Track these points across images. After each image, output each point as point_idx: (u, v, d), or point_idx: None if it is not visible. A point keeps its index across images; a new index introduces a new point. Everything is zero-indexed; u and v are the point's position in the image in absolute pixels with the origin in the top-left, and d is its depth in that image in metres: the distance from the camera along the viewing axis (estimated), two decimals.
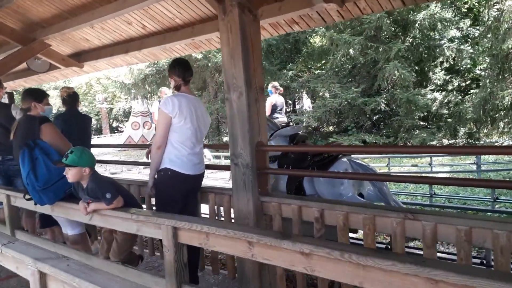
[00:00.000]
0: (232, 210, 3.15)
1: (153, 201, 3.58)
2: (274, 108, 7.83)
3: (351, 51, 19.39)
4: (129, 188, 3.88)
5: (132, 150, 20.85)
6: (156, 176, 2.94)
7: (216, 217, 3.78)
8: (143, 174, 12.07)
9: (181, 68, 2.99)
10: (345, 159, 3.94)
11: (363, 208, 2.39)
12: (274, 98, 7.90)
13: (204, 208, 3.66)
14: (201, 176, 3.11)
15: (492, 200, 5.93)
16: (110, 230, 2.79)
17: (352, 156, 4.27)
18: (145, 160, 3.76)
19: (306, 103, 26.30)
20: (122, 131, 33.54)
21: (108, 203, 2.52)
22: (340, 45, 18.87)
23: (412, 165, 11.74)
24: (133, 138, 25.29)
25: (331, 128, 23.48)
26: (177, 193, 2.92)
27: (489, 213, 5.75)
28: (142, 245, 4.22)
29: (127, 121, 32.54)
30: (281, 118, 7.77)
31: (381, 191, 3.85)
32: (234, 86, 2.80)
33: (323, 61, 24.67)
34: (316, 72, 24.23)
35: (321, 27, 18.63)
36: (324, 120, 21.25)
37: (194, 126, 2.95)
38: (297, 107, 25.43)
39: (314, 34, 22.94)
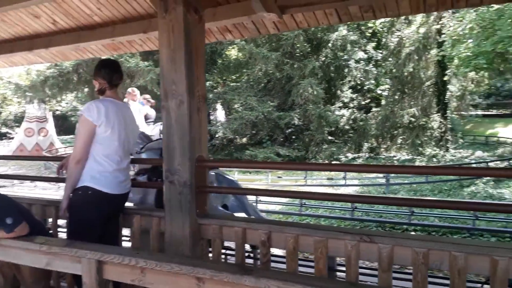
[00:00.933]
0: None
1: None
2: (146, 120, 7.61)
3: (268, 65, 19.85)
4: (30, 209, 3.24)
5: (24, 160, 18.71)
6: (72, 196, 2.47)
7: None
8: (40, 188, 10.77)
9: (108, 70, 2.58)
10: (212, 173, 3.90)
11: (315, 230, 2.24)
12: (145, 110, 7.66)
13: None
14: (126, 196, 2.70)
15: (409, 213, 6.36)
16: (11, 265, 2.25)
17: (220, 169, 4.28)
18: (55, 175, 3.20)
19: (221, 114, 26.32)
20: (12, 138, 30.22)
21: (8, 231, 2.01)
22: (258, 59, 19.22)
23: (328, 178, 12.25)
24: (26, 146, 22.66)
25: (244, 140, 23.74)
26: (98, 216, 2.47)
27: (405, 226, 6.13)
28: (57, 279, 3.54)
29: (18, 126, 29.47)
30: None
31: (241, 202, 3.91)
32: (174, 93, 2.48)
33: (239, 74, 24.98)
34: (231, 84, 24.42)
35: (240, 40, 18.79)
36: (239, 132, 21.38)
37: (122, 137, 2.55)
38: (211, 118, 25.32)
39: (230, 47, 23.13)
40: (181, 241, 2.57)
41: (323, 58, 21.56)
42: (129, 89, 6.88)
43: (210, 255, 2.83)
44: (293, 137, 22.88)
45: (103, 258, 1.85)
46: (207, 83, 22.43)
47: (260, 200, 8.98)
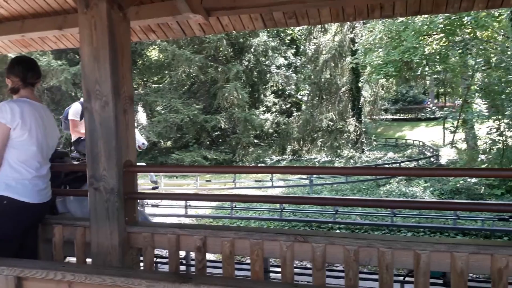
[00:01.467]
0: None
1: None
2: None
3: (192, 68, 19.62)
4: None
5: None
6: None
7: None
8: None
9: (21, 67, 2.32)
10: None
11: (251, 232, 2.22)
12: None
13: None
14: (47, 205, 2.45)
15: (334, 212, 6.68)
16: None
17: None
18: None
19: (142, 117, 25.36)
20: None
21: None
22: (181, 61, 18.89)
23: (256, 181, 12.40)
24: None
25: (169, 143, 23.17)
26: (15, 228, 2.21)
27: (330, 225, 6.42)
28: None
29: None
30: None
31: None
32: (97, 94, 2.30)
33: (161, 76, 24.31)
34: (153, 86, 23.72)
35: (162, 41, 18.31)
36: (164, 136, 20.82)
37: (40, 141, 2.30)
38: None
39: (151, 47, 22.46)
40: (109, 252, 2.39)
41: (246, 63, 21.90)
42: None
43: (141, 264, 2.68)
44: (220, 140, 22.86)
45: (23, 273, 1.65)
46: None
47: (190, 205, 8.81)
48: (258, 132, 22.09)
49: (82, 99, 5.44)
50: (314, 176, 11.43)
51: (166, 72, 22.16)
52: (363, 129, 22.68)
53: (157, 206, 8.26)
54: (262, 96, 23.97)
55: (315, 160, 21.49)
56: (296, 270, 3.10)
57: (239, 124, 20.36)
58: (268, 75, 22.87)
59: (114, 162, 2.32)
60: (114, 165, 2.33)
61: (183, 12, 3.39)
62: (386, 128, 32.97)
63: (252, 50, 21.76)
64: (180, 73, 19.70)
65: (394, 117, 36.70)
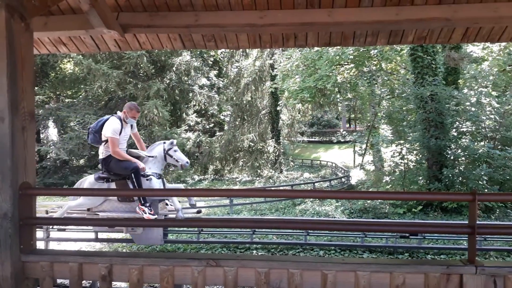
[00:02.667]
0: None
1: None
2: None
3: (110, 83, 18.78)
4: None
5: None
6: None
7: None
8: None
9: None
10: None
11: (161, 259, 2.14)
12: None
13: None
14: None
15: (251, 232, 6.70)
16: None
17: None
18: None
19: (53, 132, 23.54)
20: None
21: None
22: (98, 75, 17.99)
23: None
24: None
25: (82, 162, 21.71)
26: None
27: (247, 245, 6.43)
28: None
29: None
30: None
31: None
32: None
33: (75, 90, 22.94)
34: (67, 100, 22.23)
35: (77, 54, 17.33)
36: (76, 153, 19.46)
37: None
38: (41, 136, 22.41)
39: (65, 60, 21.15)
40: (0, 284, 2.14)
41: (168, 81, 21.58)
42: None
43: None
44: None
45: None
46: (37, 98, 19.90)
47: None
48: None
49: (119, 113, 4.91)
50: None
51: (82, 86, 20.94)
52: (282, 150, 23.47)
53: (63, 230, 7.58)
54: (184, 115, 23.70)
55: (237, 179, 21.65)
56: None
57: None
58: (190, 94, 22.74)
59: (8, 184, 2.11)
60: (8, 187, 2.11)
61: (96, 27, 3.26)
62: (302, 149, 34.57)
63: (174, 68, 21.54)
64: (96, 88, 18.71)
65: (310, 139, 39.01)
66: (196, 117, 23.80)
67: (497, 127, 10.91)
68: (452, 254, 6.84)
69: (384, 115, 14.73)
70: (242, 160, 22.16)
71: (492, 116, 10.82)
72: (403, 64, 15.62)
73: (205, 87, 23.54)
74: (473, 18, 2.96)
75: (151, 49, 4.16)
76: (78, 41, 3.93)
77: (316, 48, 14.57)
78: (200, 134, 23.16)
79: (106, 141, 4.61)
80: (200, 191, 5.97)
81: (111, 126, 4.51)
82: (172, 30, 3.49)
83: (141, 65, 19.29)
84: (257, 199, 12.63)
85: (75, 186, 5.27)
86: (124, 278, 2.18)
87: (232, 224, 4.26)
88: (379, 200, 11.22)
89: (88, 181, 4.83)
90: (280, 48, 19.23)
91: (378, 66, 15.46)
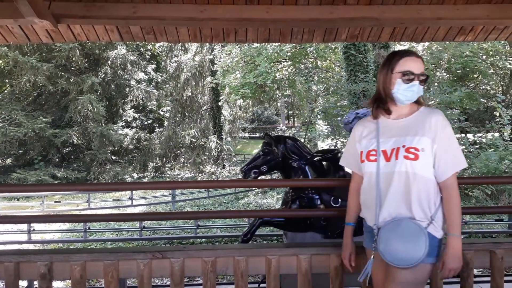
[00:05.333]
0: None
1: None
2: None
3: (39, 77, 17.60)
4: None
5: None
6: None
7: None
8: None
9: None
10: None
11: (105, 253, 2.11)
12: None
13: None
14: None
15: (195, 227, 6.69)
16: None
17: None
18: None
19: None
20: None
21: None
22: (25, 69, 16.76)
23: (114, 200, 11.63)
24: None
25: (9, 161, 20.18)
26: None
27: (192, 240, 6.42)
28: None
29: None
30: None
31: None
32: None
33: (0, 84, 21.21)
34: None
35: (2, 46, 16.00)
36: (2, 152, 18.02)
37: None
38: None
39: None
40: None
41: (103, 75, 20.68)
42: None
43: None
44: (72, 157, 20.85)
45: None
46: None
47: (34, 230, 7.75)
48: (116, 148, 20.90)
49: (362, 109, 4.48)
50: (177, 192, 11.42)
51: (7, 80, 19.38)
52: (224, 146, 23.51)
53: None
54: (120, 110, 22.86)
55: (178, 176, 21.32)
56: None
57: (94, 139, 18.92)
58: (127, 89, 21.98)
59: None
60: None
61: (27, 16, 3.09)
62: (244, 145, 34.89)
63: (109, 62, 20.68)
64: (24, 82, 17.42)
65: (252, 135, 39.59)
66: (133, 112, 23.08)
67: None
68: None
69: (320, 111, 15.31)
70: (183, 156, 21.86)
71: None
72: (338, 62, 16.33)
73: (143, 82, 22.89)
74: (399, 19, 3.19)
75: (86, 41, 4.00)
76: (6, 31, 3.69)
77: (255, 45, 14.75)
78: (138, 131, 22.50)
79: None
80: (141, 184, 5.84)
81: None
82: (109, 21, 3.38)
83: (74, 59, 18.29)
84: (200, 194, 12.58)
85: None
86: (66, 276, 2.13)
87: (175, 216, 4.25)
88: None
89: None
90: (220, 44, 19.20)
91: (314, 63, 16.03)
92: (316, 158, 3.56)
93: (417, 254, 1.64)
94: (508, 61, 14.71)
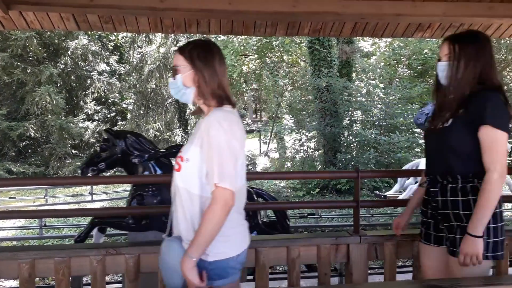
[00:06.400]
0: None
1: None
2: None
3: None
4: None
5: None
6: None
7: None
8: None
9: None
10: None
11: (56, 250, 2.02)
12: None
13: None
14: None
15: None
16: None
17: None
18: None
19: None
20: None
21: None
22: None
23: (73, 195, 11.24)
24: None
25: None
26: None
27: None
28: None
29: None
30: None
31: None
32: None
33: None
34: None
35: None
36: None
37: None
38: None
39: None
40: None
41: (62, 66, 19.86)
42: None
43: None
44: (30, 151, 19.95)
45: None
46: None
47: None
48: (77, 141, 20.19)
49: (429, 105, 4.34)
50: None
51: None
52: None
53: None
54: (81, 102, 22.06)
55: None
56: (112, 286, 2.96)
57: (53, 132, 18.17)
58: (88, 81, 21.23)
59: None
60: None
61: None
62: None
63: (69, 53, 19.88)
64: None
65: None
66: (95, 105, 22.35)
67: (383, 115, 12.18)
68: (345, 230, 7.55)
69: (286, 106, 15.45)
70: None
71: (379, 106, 12.10)
72: (303, 57, 16.50)
73: (105, 74, 22.17)
74: (360, 14, 3.24)
75: (40, 29, 3.81)
76: None
77: (221, 37, 14.64)
78: (100, 124, 21.83)
79: None
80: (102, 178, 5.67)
81: None
82: (65, 9, 3.22)
83: (31, 48, 17.44)
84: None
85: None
86: (13, 275, 2.02)
87: (137, 211, 4.15)
88: (282, 185, 11.85)
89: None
90: (185, 35, 18.90)
91: (280, 57, 16.12)
92: (160, 154, 3.49)
93: (170, 281, 1.50)
94: None
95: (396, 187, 7.85)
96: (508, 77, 16.91)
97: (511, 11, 3.18)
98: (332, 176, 6.04)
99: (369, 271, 2.37)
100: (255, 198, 3.62)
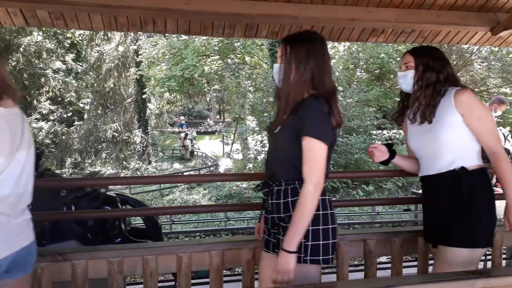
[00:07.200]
0: None
1: None
2: None
3: None
4: None
5: None
6: None
7: None
8: None
9: None
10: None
11: None
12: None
13: None
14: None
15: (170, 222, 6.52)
16: None
17: None
18: None
19: None
20: None
21: None
22: None
23: None
24: None
25: None
26: None
27: None
28: None
29: None
30: None
31: None
32: None
33: None
34: None
35: None
36: None
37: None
38: None
39: None
40: None
41: (14, 63, 18.89)
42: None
43: None
44: None
45: None
46: None
47: None
48: None
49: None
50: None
51: None
52: (150, 141, 22.75)
53: None
54: (35, 102, 21.06)
55: (100, 172, 20.21)
56: None
57: None
58: (43, 79, 20.29)
59: None
60: None
61: None
62: (173, 140, 34.00)
63: (21, 49, 18.93)
64: None
65: (182, 130, 38.56)
66: (50, 104, 21.40)
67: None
68: None
69: (249, 107, 15.49)
70: (105, 151, 20.77)
71: None
72: (265, 59, 16.61)
73: (61, 72, 21.30)
74: (316, 18, 3.28)
75: None
76: None
77: (183, 37, 14.46)
78: (56, 124, 20.95)
79: None
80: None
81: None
82: (11, 3, 3.07)
83: None
84: (124, 191, 12.05)
85: None
86: None
87: (86, 215, 4.01)
88: (243, 186, 11.87)
89: None
90: (145, 34, 18.51)
91: (242, 59, 16.14)
92: None
93: None
94: None
95: None
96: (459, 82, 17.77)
97: (457, 19, 3.35)
98: None
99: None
100: (120, 205, 3.49)
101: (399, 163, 2.20)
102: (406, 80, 1.97)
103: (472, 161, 1.86)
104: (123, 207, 3.73)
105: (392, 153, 2.14)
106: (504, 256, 3.42)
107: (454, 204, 1.84)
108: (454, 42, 3.92)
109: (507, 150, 6.23)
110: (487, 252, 2.91)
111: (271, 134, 1.79)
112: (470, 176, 1.82)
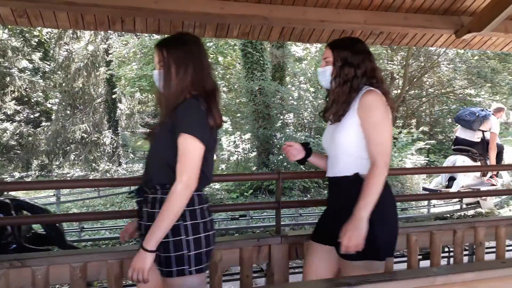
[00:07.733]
0: None
1: None
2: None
3: None
4: None
5: None
6: None
7: None
8: None
9: None
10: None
11: None
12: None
13: None
14: None
15: (79, 230, 6.22)
16: None
17: None
18: None
19: None
20: None
21: None
22: None
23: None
24: None
25: None
26: None
27: (75, 243, 5.96)
28: None
29: None
30: None
31: None
32: None
33: None
34: None
35: None
36: None
37: None
38: None
39: None
40: None
41: None
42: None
43: None
44: None
45: None
46: None
47: None
48: None
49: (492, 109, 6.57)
50: (64, 192, 10.59)
51: None
52: (120, 142, 22.27)
53: None
54: (0, 102, 20.28)
55: (68, 175, 19.61)
56: None
57: None
58: (8, 78, 19.54)
59: None
60: None
61: None
62: (146, 141, 33.41)
63: None
64: None
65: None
66: (15, 105, 20.66)
67: (313, 118, 12.64)
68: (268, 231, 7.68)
69: (223, 108, 15.42)
70: (73, 153, 20.19)
71: (309, 109, 12.53)
72: (238, 60, 16.59)
73: (27, 71, 20.59)
74: (287, 19, 3.29)
75: None
76: None
77: (155, 36, 14.23)
78: (22, 124, 20.23)
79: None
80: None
81: (496, 123, 6.26)
82: None
83: None
84: (90, 194, 11.75)
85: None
86: None
87: (54, 219, 3.90)
88: (216, 187, 11.80)
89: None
90: (116, 33, 18.10)
91: (215, 59, 16.06)
92: None
93: None
94: (389, 64, 16.47)
95: (437, 179, 7.41)
96: (427, 82, 18.33)
97: (423, 21, 3.44)
98: (255, 178, 6.34)
99: (293, 271, 2.41)
100: (13, 212, 3.34)
101: (316, 162, 2.13)
102: (324, 76, 1.86)
103: (368, 168, 1.72)
104: (18, 213, 3.52)
105: (309, 152, 2.09)
106: (466, 252, 3.52)
107: (344, 212, 1.70)
108: (420, 44, 4.02)
109: (500, 146, 6.47)
110: (451, 249, 3.00)
111: (152, 137, 1.75)
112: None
